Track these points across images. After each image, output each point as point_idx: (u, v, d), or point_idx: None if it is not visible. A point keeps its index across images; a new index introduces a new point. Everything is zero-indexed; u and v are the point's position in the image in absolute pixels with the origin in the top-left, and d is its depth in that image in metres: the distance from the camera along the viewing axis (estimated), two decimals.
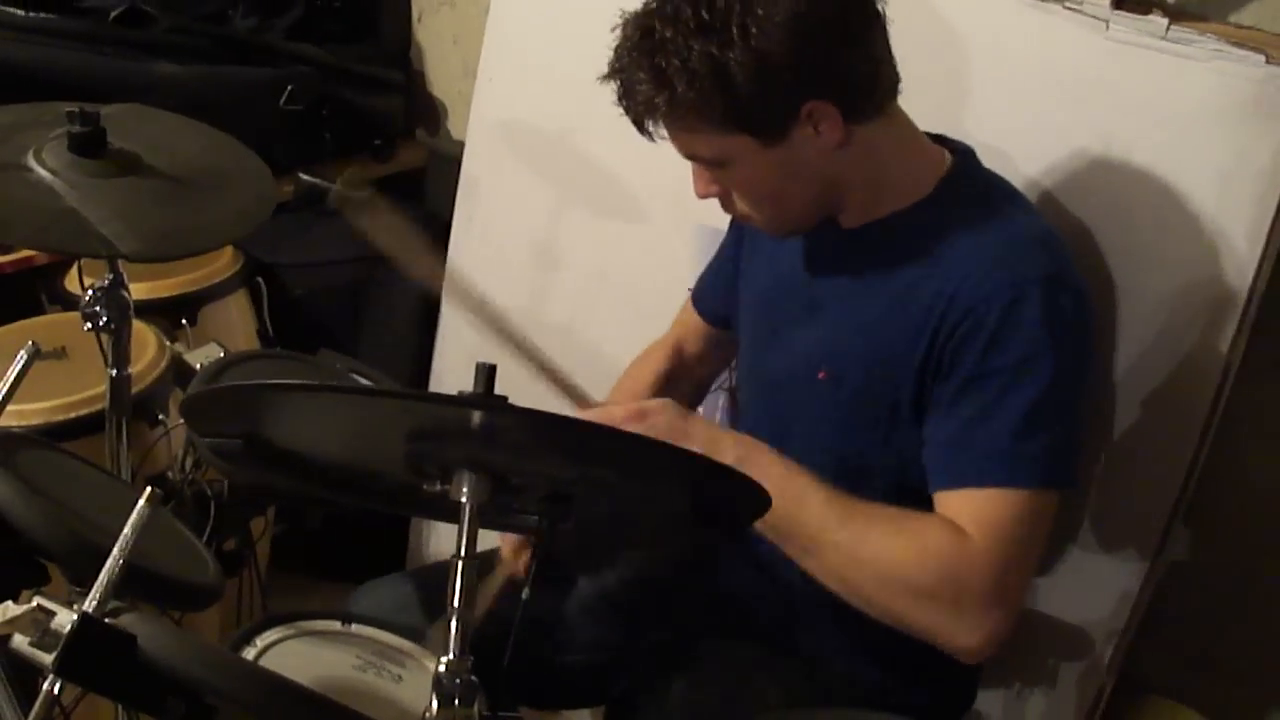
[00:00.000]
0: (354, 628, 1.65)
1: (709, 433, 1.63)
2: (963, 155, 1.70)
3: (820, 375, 1.72)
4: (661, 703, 1.79)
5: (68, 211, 1.69)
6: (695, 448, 1.55)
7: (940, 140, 1.72)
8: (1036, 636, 1.97)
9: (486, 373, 1.12)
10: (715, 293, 2.04)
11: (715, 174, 1.64)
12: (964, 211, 1.64)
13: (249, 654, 1.51)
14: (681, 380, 2.09)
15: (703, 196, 1.68)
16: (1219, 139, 1.73)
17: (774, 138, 1.55)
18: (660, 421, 1.58)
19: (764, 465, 1.59)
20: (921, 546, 1.56)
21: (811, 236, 1.74)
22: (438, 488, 1.19)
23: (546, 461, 1.19)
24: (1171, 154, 1.77)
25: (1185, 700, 2.12)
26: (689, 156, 1.63)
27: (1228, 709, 2.12)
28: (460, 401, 1.09)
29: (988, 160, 1.73)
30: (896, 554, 1.56)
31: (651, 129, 1.60)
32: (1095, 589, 1.93)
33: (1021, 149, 1.87)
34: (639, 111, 1.58)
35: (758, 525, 1.56)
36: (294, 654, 1.56)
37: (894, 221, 1.67)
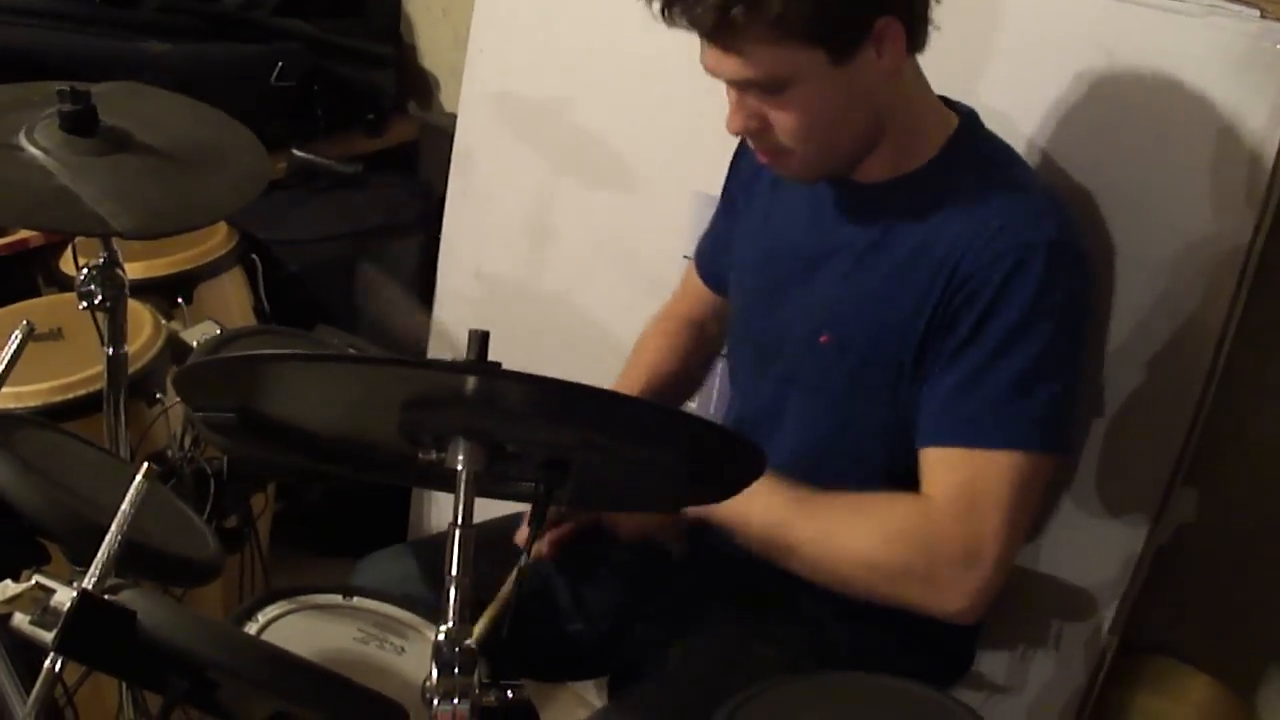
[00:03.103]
0: (355, 601, 1.65)
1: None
2: (968, 117, 1.69)
3: (822, 340, 1.70)
4: (664, 671, 1.79)
5: (61, 190, 1.68)
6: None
7: (943, 101, 1.71)
8: (1039, 598, 1.97)
9: (479, 340, 1.12)
10: (715, 257, 2.02)
11: (765, 101, 1.56)
12: (970, 173, 1.63)
13: (251, 629, 1.51)
14: (695, 352, 2.08)
15: (738, 131, 1.61)
16: (1215, 95, 1.72)
17: (844, 54, 1.50)
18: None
19: None
20: (885, 527, 1.60)
21: (819, 193, 1.73)
22: (433, 456, 1.18)
23: (541, 427, 1.18)
24: (1167, 111, 1.76)
25: (1189, 660, 2.12)
26: (741, 80, 1.55)
27: (1231, 668, 2.12)
28: (452, 367, 1.09)
29: (983, 120, 1.72)
30: (863, 539, 1.60)
31: (715, 41, 1.51)
32: (1098, 550, 1.92)
33: (1016, 108, 1.86)
34: (705, 23, 1.48)
35: (729, 529, 1.66)
36: (296, 628, 1.56)
37: (904, 182, 1.66)
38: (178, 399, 2.20)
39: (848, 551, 1.61)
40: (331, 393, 1.23)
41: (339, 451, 1.35)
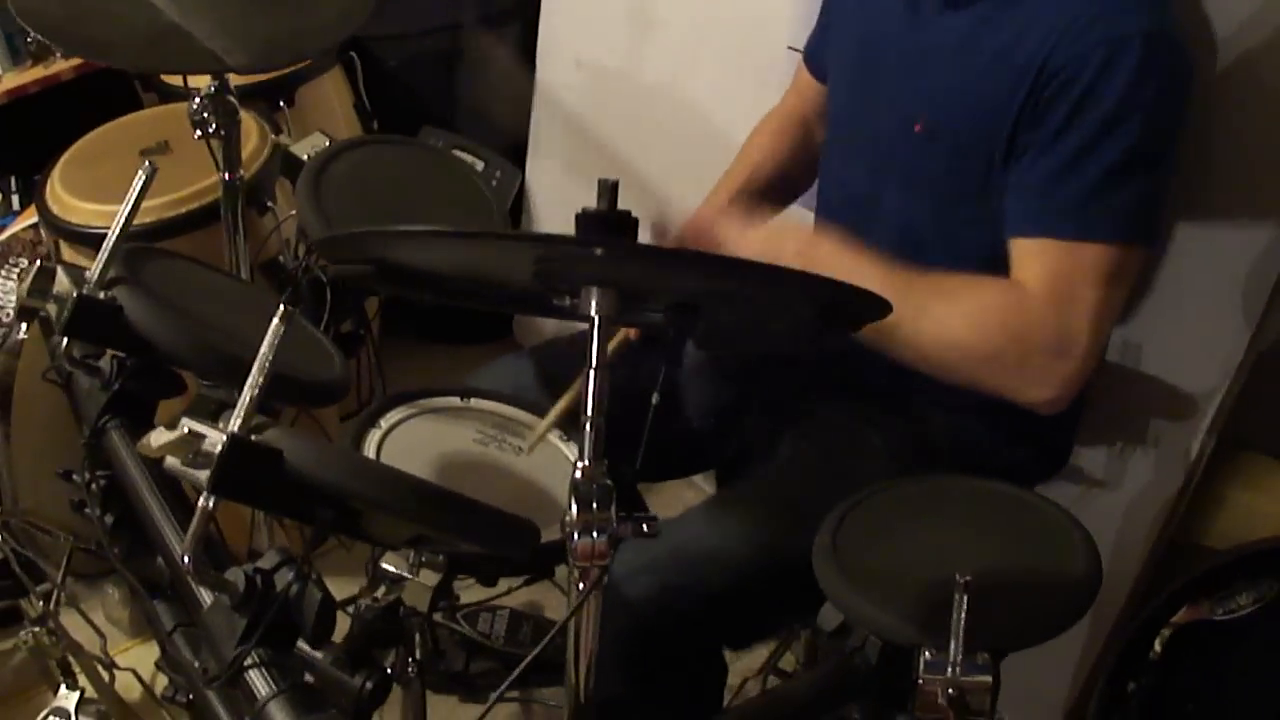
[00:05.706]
0: (473, 403, 1.69)
1: (767, 235, 1.66)
2: None
3: (916, 128, 1.71)
4: (770, 460, 1.84)
5: (171, 28, 1.69)
6: (755, 253, 1.60)
7: None
8: (1139, 397, 1.99)
9: (610, 189, 1.12)
10: (821, 50, 2.01)
11: None
12: None
13: (375, 435, 1.55)
14: (801, 150, 2.07)
15: None
16: None
17: None
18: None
19: (825, 254, 1.62)
20: (980, 312, 1.60)
21: None
22: (566, 303, 1.21)
23: (673, 280, 1.20)
24: None
25: None
26: None
27: None
28: (586, 243, 1.09)
29: None
30: (956, 322, 1.61)
31: None
32: (1197, 350, 1.92)
33: None
34: None
35: None
36: (417, 432, 1.60)
37: None
38: (291, 212, 2.23)
39: (942, 334, 1.61)
40: (467, 250, 1.25)
41: (474, 290, 1.38)
